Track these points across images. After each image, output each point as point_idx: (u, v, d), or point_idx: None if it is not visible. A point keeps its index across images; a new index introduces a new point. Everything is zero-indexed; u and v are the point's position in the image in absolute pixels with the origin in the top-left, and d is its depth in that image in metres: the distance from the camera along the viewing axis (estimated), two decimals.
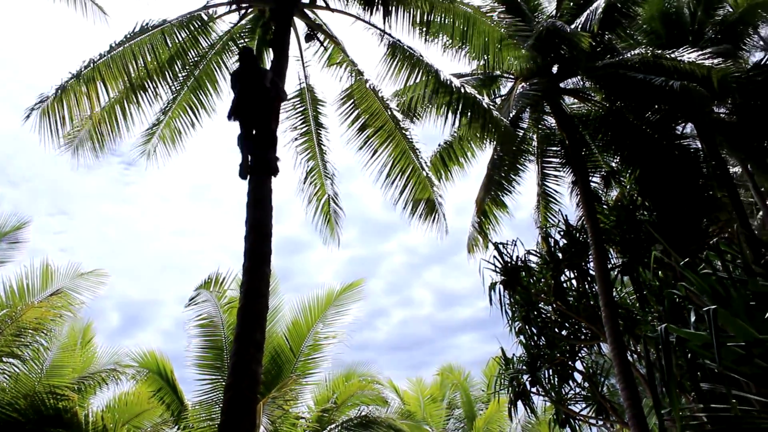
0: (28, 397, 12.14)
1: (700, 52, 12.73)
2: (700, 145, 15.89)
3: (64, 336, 14.20)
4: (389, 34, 11.23)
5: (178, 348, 16.86)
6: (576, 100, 16.17)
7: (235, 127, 10.00)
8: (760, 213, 17.92)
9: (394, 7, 10.65)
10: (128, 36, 10.73)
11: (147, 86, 11.34)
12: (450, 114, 11.18)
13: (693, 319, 7.49)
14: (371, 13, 9.63)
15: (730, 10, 15.85)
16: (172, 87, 11.71)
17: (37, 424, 11.59)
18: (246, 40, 11.89)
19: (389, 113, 11.81)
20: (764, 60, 15.48)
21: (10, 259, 14.47)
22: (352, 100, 12.01)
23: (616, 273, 14.01)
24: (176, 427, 13.66)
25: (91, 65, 10.59)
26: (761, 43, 18.54)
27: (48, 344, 13.38)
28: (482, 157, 15.63)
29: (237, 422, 7.97)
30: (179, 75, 11.67)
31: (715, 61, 12.28)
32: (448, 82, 10.81)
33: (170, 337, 46.18)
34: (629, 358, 12.78)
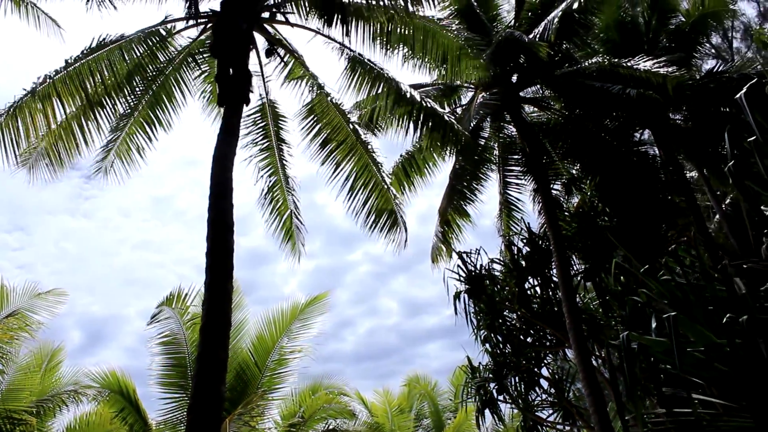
0: None
1: (655, 60, 12.99)
2: (657, 152, 16.20)
3: (24, 358, 13.86)
4: (349, 48, 11.27)
5: (143, 365, 16.55)
6: (536, 109, 16.39)
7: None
8: (717, 216, 18.28)
9: (353, 21, 10.66)
10: (85, 51, 10.57)
11: (105, 102, 11.18)
12: (411, 125, 11.24)
13: (654, 325, 7.60)
14: (331, 28, 9.62)
15: (683, 19, 16.20)
16: (130, 102, 11.54)
17: None
18: (205, 55, 11.79)
19: (351, 127, 11.85)
20: (716, 67, 15.88)
21: None
22: (314, 115, 12.01)
23: (578, 279, 14.17)
24: None
25: (47, 81, 10.40)
26: (713, 51, 19.04)
27: (4, 367, 13.03)
28: (445, 166, 15.73)
29: None
30: (137, 90, 11.51)
31: (670, 69, 12.55)
32: (408, 94, 10.87)
33: (134, 353, 45.45)
34: (594, 363, 12.93)
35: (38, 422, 12.96)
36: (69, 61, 10.52)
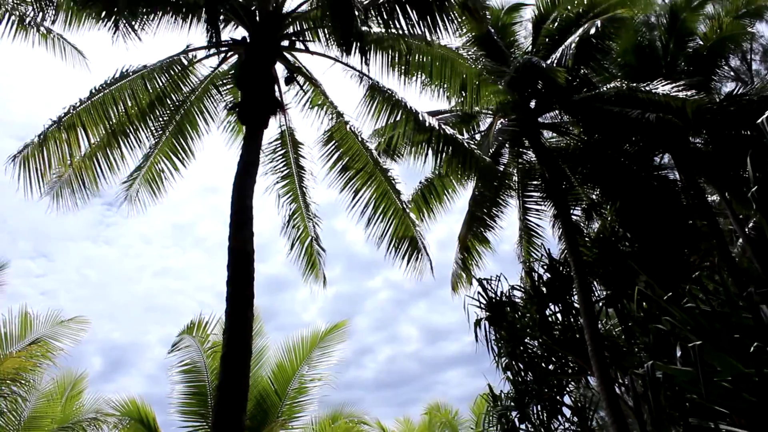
0: None
1: (674, 84, 12.94)
2: (678, 176, 16.09)
3: (47, 385, 13.94)
4: (368, 76, 11.33)
5: (163, 392, 16.63)
6: (555, 134, 16.36)
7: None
8: (740, 240, 18.06)
9: (372, 50, 10.73)
10: (108, 82, 10.74)
11: (128, 131, 11.32)
12: (430, 152, 11.25)
13: (679, 354, 7.49)
14: (350, 55, 9.69)
15: (701, 42, 16.16)
16: (154, 132, 11.68)
17: None
18: (228, 84, 11.92)
19: (370, 154, 11.87)
20: (736, 90, 15.79)
21: None
22: (333, 142, 12.04)
23: (600, 305, 14.02)
24: None
25: (72, 112, 10.58)
26: (732, 73, 18.95)
27: (26, 395, 13.10)
28: (464, 192, 15.72)
29: None
30: (161, 119, 11.65)
31: (689, 92, 12.48)
32: (427, 121, 10.90)
33: (154, 380, 45.38)
34: (617, 390, 12.75)
35: None
36: (93, 90, 10.70)
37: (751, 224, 17.87)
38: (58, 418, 13.73)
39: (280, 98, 11.88)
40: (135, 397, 14.55)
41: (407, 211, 11.83)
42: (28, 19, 10.61)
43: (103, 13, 10.34)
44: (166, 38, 11.08)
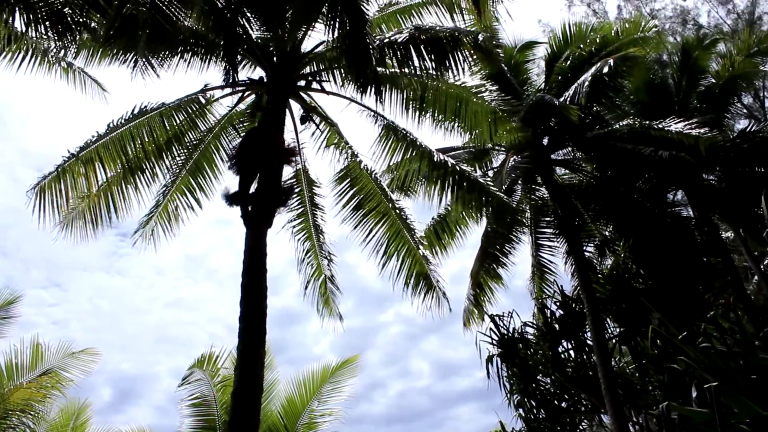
0: None
1: (687, 122, 13.00)
2: (691, 212, 16.05)
3: (54, 416, 13.90)
4: (383, 116, 11.45)
5: (172, 424, 16.52)
6: (567, 171, 16.40)
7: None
8: (755, 277, 17.94)
9: (386, 89, 10.87)
10: (127, 118, 10.91)
11: (145, 167, 11.43)
12: (443, 189, 11.29)
13: (695, 395, 7.41)
14: (365, 95, 9.82)
15: (713, 80, 16.25)
16: (171, 169, 11.81)
17: None
18: (245, 123, 12.07)
19: (383, 193, 11.93)
20: (749, 127, 15.82)
21: (2, 335, 14.24)
22: (348, 180, 12.11)
23: (614, 343, 13.92)
24: None
25: (90, 146, 10.73)
26: (745, 111, 19.00)
27: (35, 426, 13.08)
28: (477, 228, 15.73)
29: None
30: (177, 157, 11.79)
31: (702, 130, 12.52)
32: (440, 159, 10.96)
33: (164, 412, 45.13)
34: (631, 429, 12.57)
35: None
36: (111, 125, 10.86)
37: (766, 261, 17.76)
38: None
39: (296, 137, 12.03)
40: (144, 429, 14.54)
41: (420, 249, 11.84)
42: (51, 54, 10.82)
43: (123, 51, 10.53)
44: (184, 76, 11.26)
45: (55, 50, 10.83)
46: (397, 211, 11.84)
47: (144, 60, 10.02)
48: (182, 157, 11.80)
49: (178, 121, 11.30)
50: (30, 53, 10.45)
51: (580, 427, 13.84)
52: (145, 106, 10.95)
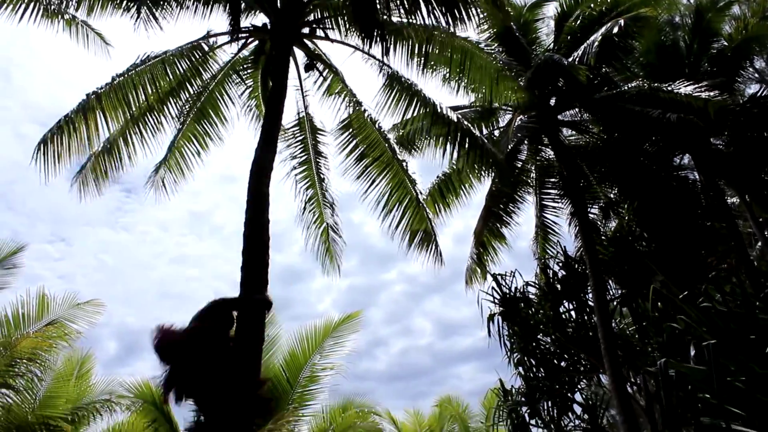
0: (20, 428, 12.02)
1: (696, 85, 12.85)
2: (698, 176, 15.97)
3: (59, 366, 14.09)
4: (388, 65, 11.31)
5: None
6: (574, 132, 16.29)
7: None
8: (759, 243, 17.91)
9: (392, 40, 10.71)
10: (130, 68, 10.80)
11: (148, 118, 11.36)
12: (448, 146, 11.22)
13: (693, 353, 7.45)
14: (370, 45, 9.65)
15: (725, 43, 16.02)
16: (175, 118, 11.75)
17: None
18: (249, 70, 11.96)
19: (387, 144, 11.88)
20: (760, 92, 15.63)
21: (7, 285, 14.42)
22: (351, 130, 12.05)
23: (615, 304, 13.96)
24: None
25: (92, 97, 10.64)
26: (756, 75, 18.73)
27: (42, 375, 13.28)
28: (481, 187, 15.71)
29: None
30: (182, 106, 11.73)
31: (712, 93, 12.38)
32: (445, 114, 10.88)
33: None
34: (629, 390, 12.69)
35: (73, 430, 13.19)
36: (115, 77, 10.77)
37: None
38: (72, 398, 13.89)
39: (299, 84, 11.92)
40: (149, 380, 14.69)
41: (422, 201, 11.84)
42: (53, 5, 10.71)
43: (125, 1, 10.40)
44: (187, 26, 11.14)
45: (57, 1, 10.74)
46: (400, 162, 11.80)
47: (146, 9, 9.90)
48: (187, 106, 11.73)
49: (182, 70, 11.18)
50: (32, 4, 10.36)
51: (579, 386, 13.94)
52: (148, 56, 10.82)
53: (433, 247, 11.88)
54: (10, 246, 14.66)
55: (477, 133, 11.50)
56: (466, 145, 11.05)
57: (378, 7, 9.06)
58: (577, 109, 15.84)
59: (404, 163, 11.87)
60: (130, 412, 14.57)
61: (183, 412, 14.26)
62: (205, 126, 12.05)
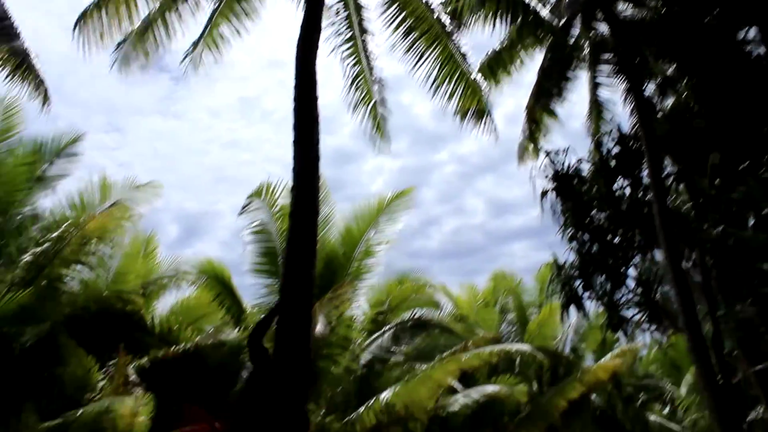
0: (98, 302, 12.77)
1: None
2: (764, 50, 15.22)
3: (126, 245, 14.71)
4: None
5: (236, 257, 17.46)
6: (630, 5, 15.53)
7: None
8: None
9: None
10: None
11: None
12: (498, 18, 10.90)
13: (752, 222, 7.37)
14: None
15: None
16: None
17: (108, 325, 12.28)
18: None
19: (435, 16, 11.55)
20: None
21: (69, 173, 14.94)
22: (397, 3, 11.77)
23: (671, 181, 13.73)
24: (237, 328, 14.16)
25: None
26: None
27: (112, 252, 13.93)
28: (532, 65, 15.30)
29: (293, 321, 8.19)
30: None
31: None
32: None
33: (228, 246, 47.65)
34: (684, 264, 12.65)
35: (145, 302, 13.97)
36: None
37: None
38: (141, 274, 14.61)
39: None
40: (212, 258, 15.36)
41: (473, 74, 11.59)
42: None
43: None
44: None
45: None
46: (449, 35, 11.50)
47: None
48: None
49: None
50: None
51: (633, 262, 13.92)
52: None
53: (487, 120, 11.73)
54: (68, 135, 15.09)
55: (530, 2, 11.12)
56: (518, 16, 10.71)
57: None
58: None
59: (453, 35, 11.55)
60: (196, 287, 15.32)
61: (246, 289, 15.01)
62: (242, 3, 11.91)
